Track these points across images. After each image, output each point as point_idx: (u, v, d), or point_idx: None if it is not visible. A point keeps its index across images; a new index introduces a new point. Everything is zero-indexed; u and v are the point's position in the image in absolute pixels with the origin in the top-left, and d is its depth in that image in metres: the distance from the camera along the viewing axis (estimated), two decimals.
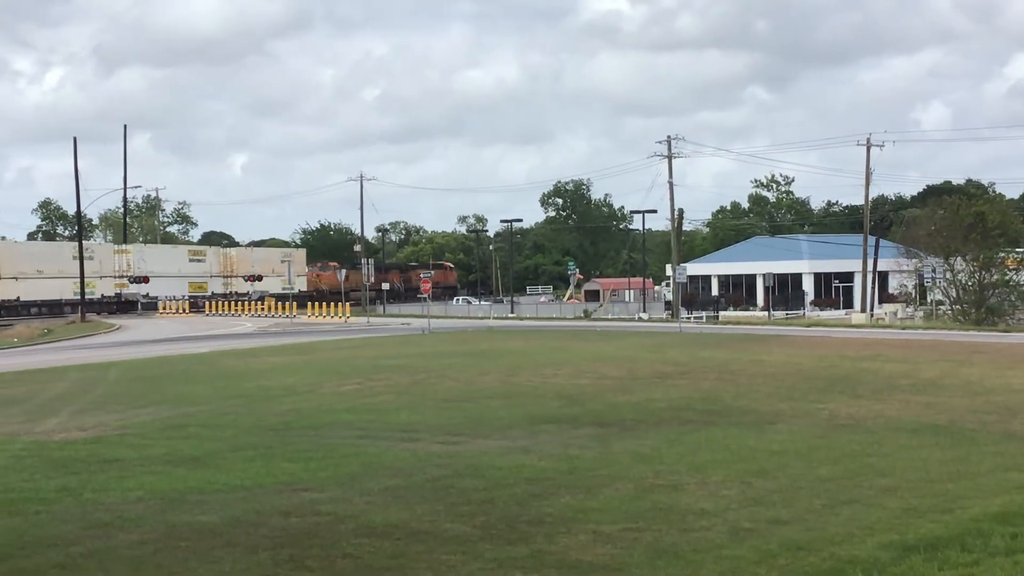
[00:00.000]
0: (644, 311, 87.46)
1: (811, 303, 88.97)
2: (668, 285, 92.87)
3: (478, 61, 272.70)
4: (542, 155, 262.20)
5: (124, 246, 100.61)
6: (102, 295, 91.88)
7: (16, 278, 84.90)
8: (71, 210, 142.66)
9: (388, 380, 29.49)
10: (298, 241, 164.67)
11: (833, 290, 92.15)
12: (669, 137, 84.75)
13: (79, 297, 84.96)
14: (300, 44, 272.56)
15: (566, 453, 17.12)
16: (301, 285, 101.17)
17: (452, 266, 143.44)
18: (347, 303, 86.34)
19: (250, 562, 10.89)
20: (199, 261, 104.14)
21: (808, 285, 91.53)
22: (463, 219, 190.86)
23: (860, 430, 19.73)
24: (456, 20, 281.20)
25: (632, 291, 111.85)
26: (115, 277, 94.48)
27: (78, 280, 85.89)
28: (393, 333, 59.59)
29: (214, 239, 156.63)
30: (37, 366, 38.67)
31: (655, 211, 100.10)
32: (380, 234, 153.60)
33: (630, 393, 25.92)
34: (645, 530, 11.94)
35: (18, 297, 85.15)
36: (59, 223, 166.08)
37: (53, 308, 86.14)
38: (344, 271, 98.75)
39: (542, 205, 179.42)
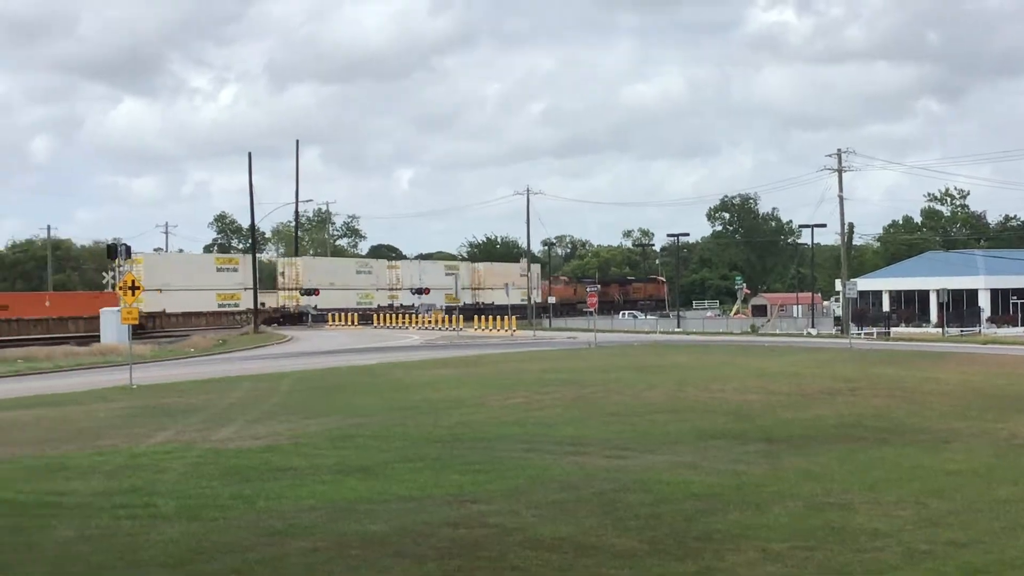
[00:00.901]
0: (812, 326, 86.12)
1: (987, 320, 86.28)
2: (837, 300, 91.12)
3: (644, 75, 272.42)
4: (708, 169, 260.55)
5: (394, 262, 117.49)
6: (378, 305, 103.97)
7: (317, 288, 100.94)
8: (245, 223, 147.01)
9: (555, 394, 29.53)
10: (464, 254, 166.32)
11: (1011, 307, 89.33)
12: (839, 150, 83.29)
13: (362, 306, 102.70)
14: (466, 59, 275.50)
15: (734, 469, 16.92)
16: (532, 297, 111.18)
17: (664, 279, 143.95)
18: (513, 316, 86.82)
19: (418, 572, 11.00)
20: (453, 274, 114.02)
21: (984, 301, 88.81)
22: (628, 233, 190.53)
23: None
24: (622, 34, 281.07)
25: (800, 306, 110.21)
26: (388, 290, 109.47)
27: (361, 291, 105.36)
28: (559, 347, 59.71)
29: (382, 252, 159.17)
30: (212, 376, 39.66)
31: (824, 225, 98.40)
32: (546, 248, 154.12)
33: (799, 409, 25.51)
34: (816, 549, 11.71)
35: (315, 305, 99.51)
36: (233, 236, 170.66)
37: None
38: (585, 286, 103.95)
39: (708, 219, 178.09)
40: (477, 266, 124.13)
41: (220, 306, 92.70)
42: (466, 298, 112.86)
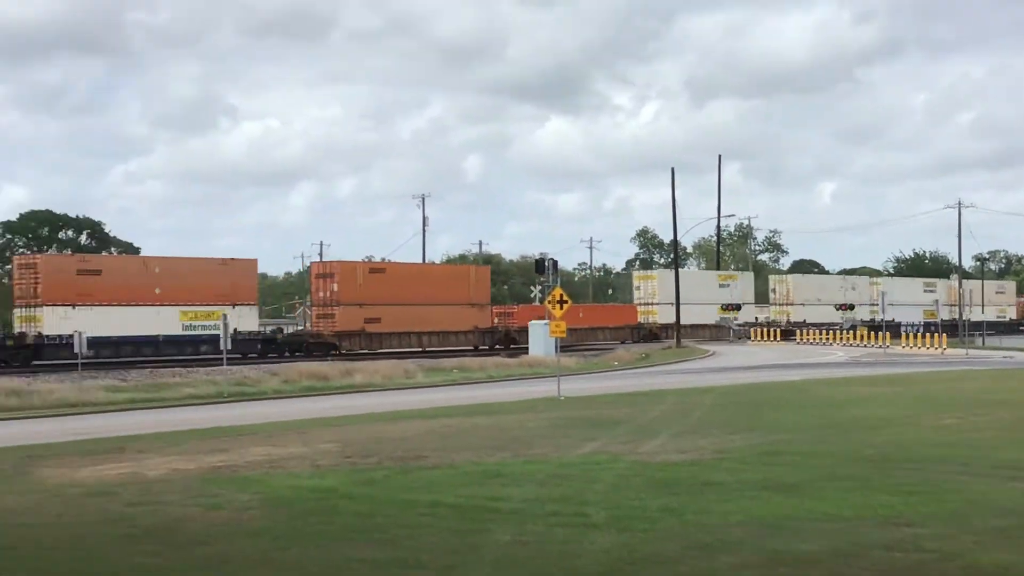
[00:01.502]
0: None
1: None
2: None
3: None
4: None
5: (876, 279, 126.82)
6: (860, 319, 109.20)
7: (803, 304, 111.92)
8: (666, 238, 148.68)
9: (991, 415, 28.16)
10: (891, 270, 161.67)
11: None
12: None
13: (834, 322, 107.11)
14: (891, 70, 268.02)
15: None
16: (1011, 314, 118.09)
17: None
18: (944, 334, 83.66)
19: None
20: (931, 291, 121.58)
21: None
22: None
23: None
24: None
25: None
26: (870, 305, 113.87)
27: (833, 307, 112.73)
28: (993, 366, 56.93)
29: (804, 267, 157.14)
30: (636, 389, 40.24)
31: None
32: (978, 263, 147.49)
33: None
34: None
35: (804, 319, 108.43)
36: (655, 251, 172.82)
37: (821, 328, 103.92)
38: None
39: None
40: (951, 283, 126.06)
41: (721, 320, 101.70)
42: (943, 314, 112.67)
